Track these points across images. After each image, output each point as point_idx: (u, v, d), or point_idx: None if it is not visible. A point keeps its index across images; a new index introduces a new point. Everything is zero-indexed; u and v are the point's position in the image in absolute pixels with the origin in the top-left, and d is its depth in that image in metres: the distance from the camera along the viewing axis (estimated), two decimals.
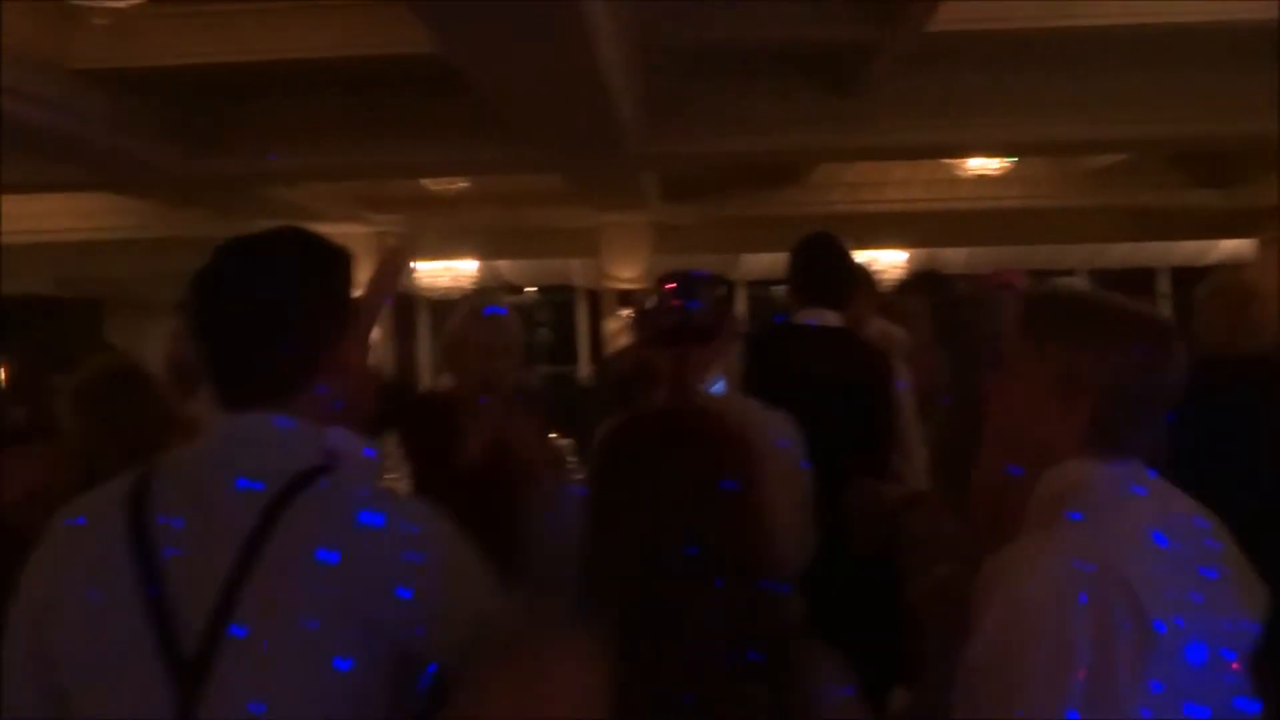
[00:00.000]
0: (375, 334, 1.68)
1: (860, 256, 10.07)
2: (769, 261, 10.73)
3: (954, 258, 11.05)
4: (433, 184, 7.51)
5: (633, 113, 5.28)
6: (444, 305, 11.22)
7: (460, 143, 5.89)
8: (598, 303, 10.66)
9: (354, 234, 8.75)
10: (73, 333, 10.99)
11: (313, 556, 1.13)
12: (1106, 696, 1.18)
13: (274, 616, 1.12)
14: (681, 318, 2.28)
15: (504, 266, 11.26)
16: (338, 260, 1.28)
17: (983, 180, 7.80)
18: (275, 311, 1.23)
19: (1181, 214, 9.29)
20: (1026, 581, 1.22)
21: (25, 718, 1.18)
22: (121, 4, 3.43)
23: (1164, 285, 11.50)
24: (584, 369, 11.57)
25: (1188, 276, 11.25)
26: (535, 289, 13.06)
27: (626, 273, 8.75)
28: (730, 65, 5.56)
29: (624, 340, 6.70)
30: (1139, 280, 11.50)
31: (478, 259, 10.26)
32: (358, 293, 1.36)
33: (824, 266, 3.00)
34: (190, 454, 1.26)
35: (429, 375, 11.67)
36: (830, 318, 2.89)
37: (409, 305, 11.34)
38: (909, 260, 10.52)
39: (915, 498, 2.38)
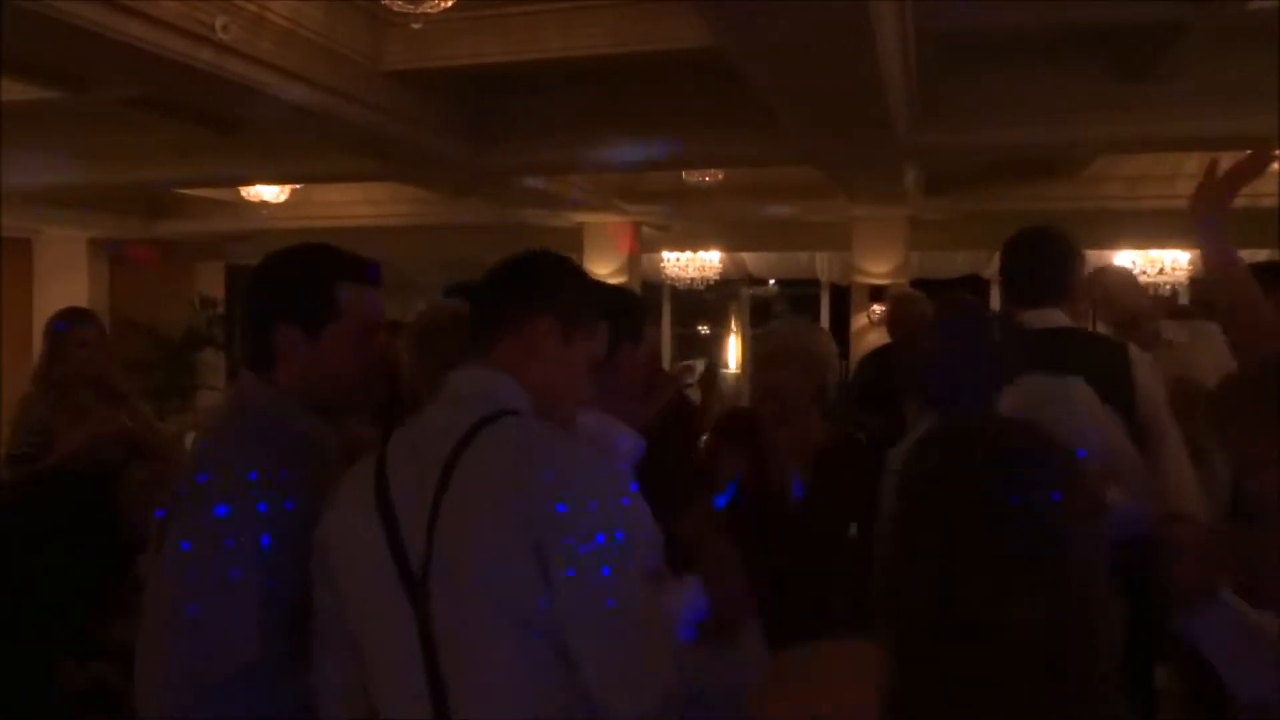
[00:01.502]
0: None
1: (1131, 256, 9.48)
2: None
3: (1250, 260, 10.00)
4: (688, 175, 7.64)
5: (904, 102, 5.14)
6: (686, 294, 11.48)
7: (724, 135, 5.94)
8: (841, 297, 10.49)
9: (610, 222, 9.11)
10: None
11: (485, 481, 1.28)
12: None
13: (464, 535, 1.27)
14: None
15: (747, 259, 11.32)
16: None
17: None
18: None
19: None
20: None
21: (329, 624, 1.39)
22: (433, 8, 3.71)
23: None
24: None
25: None
26: (775, 282, 13.05)
27: (879, 268, 8.54)
28: (1005, 49, 5.27)
29: (874, 336, 6.51)
30: None
31: (723, 250, 10.37)
32: None
33: (1044, 262, 2.76)
34: (427, 409, 1.45)
35: (668, 360, 12.04)
36: (1055, 317, 2.70)
37: (654, 292, 11.66)
38: (1190, 262, 9.64)
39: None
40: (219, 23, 4.03)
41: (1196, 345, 3.50)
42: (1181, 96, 5.30)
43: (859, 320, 8.68)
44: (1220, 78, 5.16)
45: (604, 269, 9.04)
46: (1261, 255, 9.82)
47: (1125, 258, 9.67)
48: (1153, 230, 8.86)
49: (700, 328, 13.94)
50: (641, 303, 2.24)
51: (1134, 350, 2.60)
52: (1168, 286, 9.97)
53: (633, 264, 9.24)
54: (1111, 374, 2.64)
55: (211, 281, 10.34)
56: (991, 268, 10.91)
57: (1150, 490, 2.15)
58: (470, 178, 7.05)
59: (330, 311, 1.54)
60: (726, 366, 13.06)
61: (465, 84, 5.78)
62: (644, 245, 9.55)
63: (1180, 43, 4.74)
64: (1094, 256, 9.90)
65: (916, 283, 9.69)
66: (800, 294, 12.65)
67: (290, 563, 1.40)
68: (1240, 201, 2.23)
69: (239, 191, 8.15)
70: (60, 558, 2.23)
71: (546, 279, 1.50)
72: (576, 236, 9.18)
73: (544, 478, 1.26)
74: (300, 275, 1.58)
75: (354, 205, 8.79)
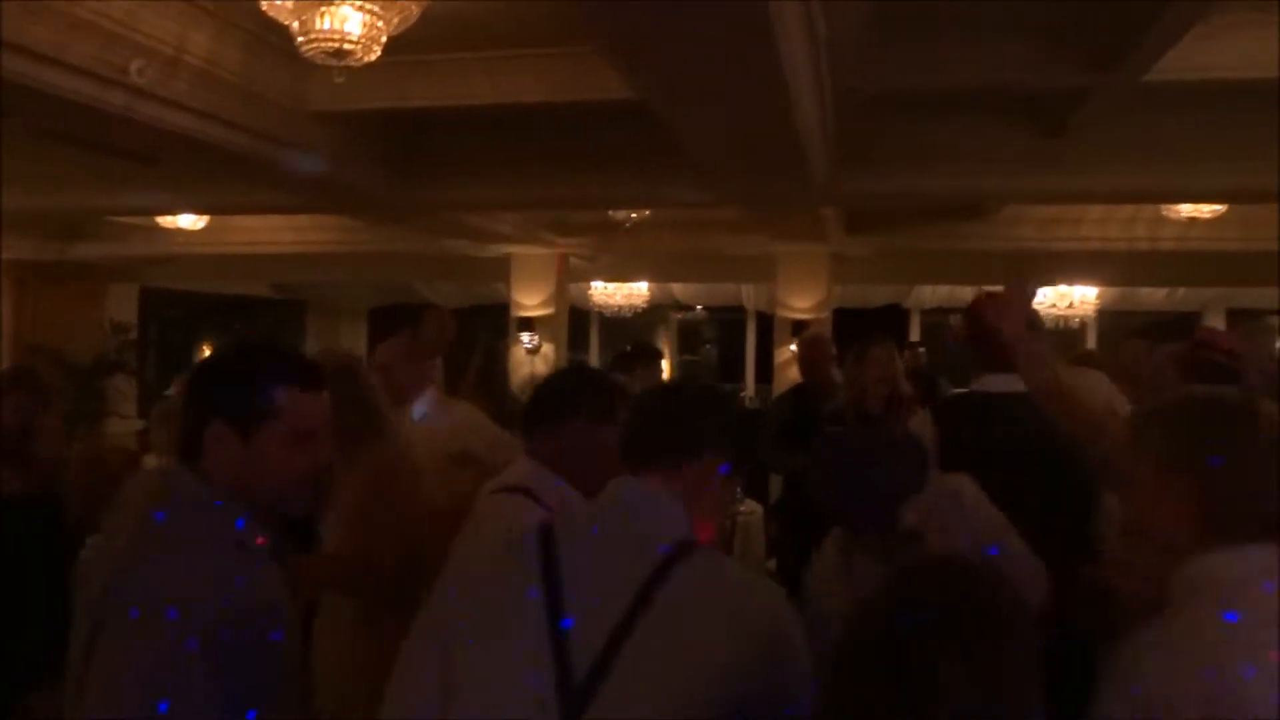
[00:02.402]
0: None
1: (1043, 292, 9.82)
2: (945, 292, 10.47)
3: (1150, 297, 10.46)
4: (615, 212, 7.70)
5: (823, 152, 5.26)
6: (614, 321, 11.53)
7: (647, 177, 6.01)
8: (768, 325, 10.64)
9: (537, 255, 9.12)
10: (280, 328, 12.03)
11: (691, 621, 1.32)
12: None
13: (651, 662, 1.29)
14: None
15: (675, 287, 11.42)
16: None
17: (1194, 223, 7.31)
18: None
19: None
20: (1141, 679, 1.27)
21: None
22: (356, 62, 3.69)
23: None
24: (750, 389, 11.59)
25: None
26: (703, 308, 13.19)
27: (801, 302, 8.69)
28: (925, 103, 5.44)
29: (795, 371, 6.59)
30: None
31: (650, 280, 10.44)
32: None
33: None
34: (594, 508, 1.51)
35: None
36: (1013, 382, 2.81)
37: (584, 319, 11.69)
38: (1099, 297, 10.04)
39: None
40: (134, 66, 3.94)
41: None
42: (1089, 153, 5.54)
43: (782, 353, 8.82)
44: (1124, 138, 5.41)
45: (531, 299, 9.03)
46: (1160, 295, 10.31)
47: (1040, 293, 10.03)
48: (1061, 268, 9.21)
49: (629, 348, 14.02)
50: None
51: None
52: (1077, 320, 10.38)
53: (560, 293, 9.25)
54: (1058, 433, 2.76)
55: (124, 305, 10.03)
56: (911, 299, 11.21)
57: (1039, 584, 2.26)
58: (393, 211, 6.99)
59: (266, 412, 1.54)
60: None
61: (391, 122, 5.74)
62: (572, 274, 9.57)
63: (1086, 106, 4.96)
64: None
65: (839, 312, 9.90)
66: (729, 319, 12.81)
67: (233, 664, 1.37)
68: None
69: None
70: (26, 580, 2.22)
71: (725, 422, 1.57)
72: (504, 266, 9.17)
73: (750, 628, 1.33)
74: (240, 373, 1.59)
75: (276, 231, 8.64)
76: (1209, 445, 1.38)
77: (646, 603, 1.32)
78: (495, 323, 9.67)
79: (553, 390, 2.15)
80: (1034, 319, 2.86)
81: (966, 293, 10.55)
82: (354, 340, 11.51)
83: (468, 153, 6.04)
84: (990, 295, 2.53)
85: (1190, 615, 1.31)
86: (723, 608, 1.35)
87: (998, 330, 2.46)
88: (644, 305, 10.90)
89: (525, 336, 8.95)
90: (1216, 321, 10.77)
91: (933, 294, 10.84)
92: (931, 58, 4.49)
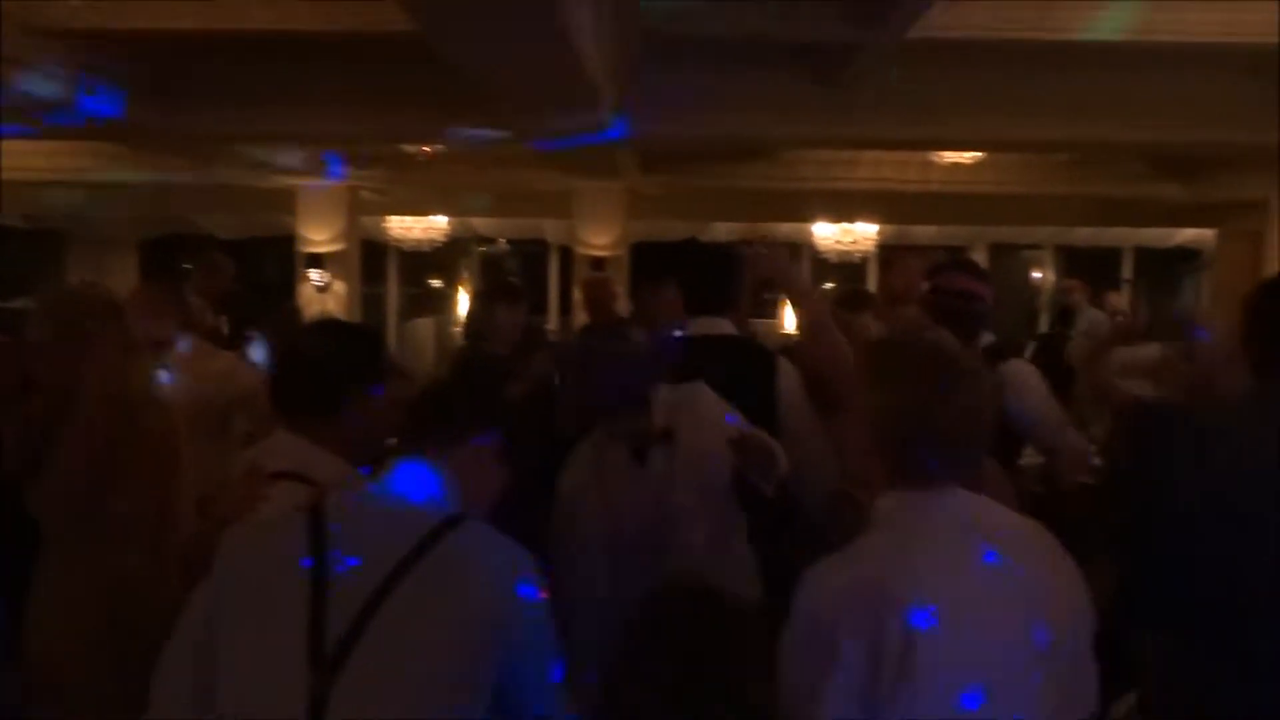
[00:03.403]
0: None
1: (830, 229, 10.37)
2: (741, 230, 10.84)
3: (924, 233, 11.24)
4: (407, 145, 7.45)
5: (612, 95, 5.29)
6: (414, 255, 11.25)
7: (435, 112, 5.85)
8: (570, 258, 10.70)
9: (324, 189, 8.71)
10: (32, 263, 10.93)
11: (444, 591, 1.36)
12: (874, 692, 1.35)
13: (402, 633, 1.33)
14: None
15: (476, 221, 11.24)
16: None
17: (956, 167, 7.89)
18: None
19: (1145, 204, 9.48)
20: (817, 594, 1.41)
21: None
22: None
23: (1128, 266, 11.78)
24: (553, 320, 11.66)
25: (1150, 256, 11.59)
26: (506, 240, 13.06)
27: (599, 238, 8.77)
28: (713, 50, 5.56)
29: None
30: (1103, 258, 11.78)
31: (448, 215, 10.23)
32: None
33: (712, 275, 3.05)
34: (367, 489, 1.53)
35: (395, 320, 11.82)
36: (720, 325, 2.99)
37: (381, 254, 11.33)
38: (878, 233, 10.70)
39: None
40: None
41: None
42: (863, 103, 5.84)
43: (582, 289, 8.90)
44: (894, 90, 5.74)
45: (320, 234, 8.66)
46: (932, 231, 11.09)
47: (824, 229, 10.58)
48: (841, 206, 9.74)
49: (433, 282, 13.73)
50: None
51: (782, 361, 2.91)
52: (859, 254, 11.04)
53: (352, 227, 8.91)
54: (757, 380, 2.93)
55: None
56: (708, 233, 11.55)
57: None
58: (167, 141, 6.49)
59: None
60: (457, 324, 12.95)
61: (157, 48, 5.29)
62: (364, 208, 9.22)
63: (858, 58, 5.21)
64: (796, 229, 10.78)
65: (640, 246, 10.06)
66: (532, 252, 12.77)
67: None
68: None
69: None
70: None
71: (496, 405, 1.62)
72: (288, 199, 8.71)
73: (500, 599, 1.38)
74: None
75: (23, 156, 7.80)
76: (898, 399, 1.47)
77: (402, 575, 1.34)
78: (282, 257, 9.22)
79: (311, 355, 1.90)
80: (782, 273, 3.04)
81: (762, 228, 11.01)
82: (123, 275, 10.65)
83: (247, 82, 5.67)
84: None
85: (866, 545, 1.45)
86: (476, 578, 1.39)
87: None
88: (444, 239, 10.68)
89: (314, 273, 8.59)
90: (980, 255, 11.73)
91: (729, 230, 11.22)
92: (715, 7, 4.59)
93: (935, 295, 3.25)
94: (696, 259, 3.10)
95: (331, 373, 1.84)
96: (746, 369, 2.85)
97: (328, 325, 2.74)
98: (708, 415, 2.29)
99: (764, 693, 1.33)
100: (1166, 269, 11.59)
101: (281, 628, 1.33)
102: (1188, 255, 10.97)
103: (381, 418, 1.84)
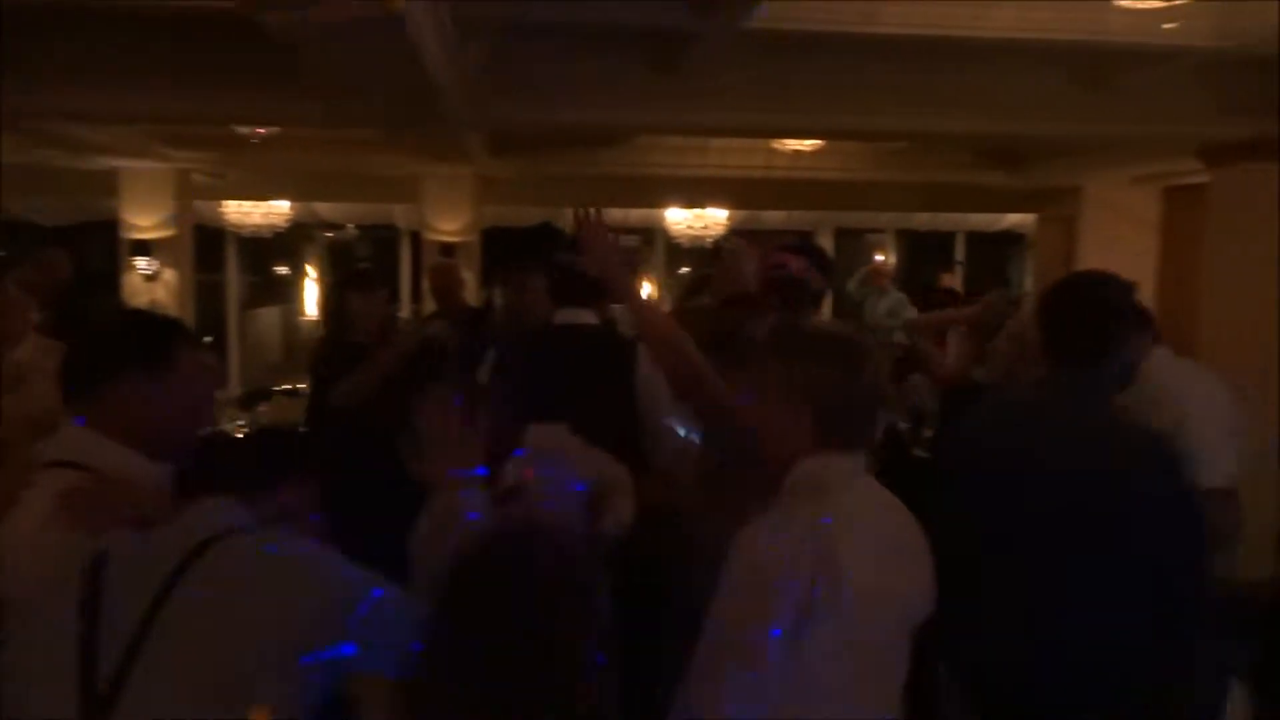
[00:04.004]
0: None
1: (682, 214, 10.51)
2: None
3: (773, 218, 11.54)
4: (241, 127, 7.11)
5: (453, 81, 5.18)
6: (254, 241, 10.77)
7: (266, 94, 5.60)
8: (421, 245, 10.48)
9: (151, 170, 8.22)
10: None
11: (210, 607, 1.32)
12: (803, 639, 1.52)
13: (174, 658, 1.28)
14: None
15: (320, 206, 10.86)
16: None
17: (798, 154, 8.12)
18: None
19: (974, 190, 10.01)
20: (762, 546, 1.56)
21: None
22: None
23: (961, 248, 12.44)
24: (405, 308, 11.40)
25: (980, 240, 12.28)
26: (354, 226, 12.67)
27: (448, 224, 8.61)
28: (557, 37, 5.53)
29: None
30: (940, 242, 12.41)
31: (289, 199, 9.84)
32: None
33: (578, 270, 3.07)
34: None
35: (235, 309, 11.30)
36: (583, 315, 3.03)
37: (218, 240, 10.80)
38: (729, 218, 10.92)
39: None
40: None
41: None
42: (704, 91, 5.92)
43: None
44: (736, 78, 5.84)
45: (147, 219, 8.18)
46: (781, 216, 11.38)
47: (677, 214, 10.72)
48: (693, 192, 9.89)
49: (277, 269, 13.19)
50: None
51: (642, 349, 2.94)
52: (709, 240, 11.24)
53: (183, 212, 8.45)
54: (617, 370, 2.96)
55: None
56: (563, 219, 11.52)
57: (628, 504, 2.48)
58: None
59: None
60: (304, 314, 12.50)
61: None
62: (198, 192, 8.76)
63: (698, 46, 5.28)
64: (646, 213, 10.88)
65: (491, 231, 9.95)
66: (383, 238, 12.42)
67: None
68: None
69: None
70: None
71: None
72: (110, 182, 8.18)
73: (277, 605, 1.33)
74: None
75: None
76: (818, 374, 1.67)
77: (164, 598, 1.30)
78: (108, 243, 8.67)
79: (92, 343, 1.86)
80: (629, 254, 3.09)
81: (614, 214, 11.05)
82: None
83: (67, 58, 5.27)
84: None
85: (797, 505, 1.63)
86: (243, 587, 1.35)
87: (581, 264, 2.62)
88: (286, 224, 10.27)
89: (141, 262, 8.11)
90: (826, 239, 12.14)
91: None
92: None
93: (769, 278, 3.37)
94: (563, 248, 3.11)
95: (95, 355, 1.78)
96: (607, 359, 2.88)
97: (111, 310, 2.63)
98: (559, 471, 2.29)
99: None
100: (995, 251, 12.30)
101: (53, 675, 1.28)
102: (1014, 238, 11.65)
103: (167, 404, 1.76)
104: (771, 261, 3.35)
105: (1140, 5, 3.72)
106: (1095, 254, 8.34)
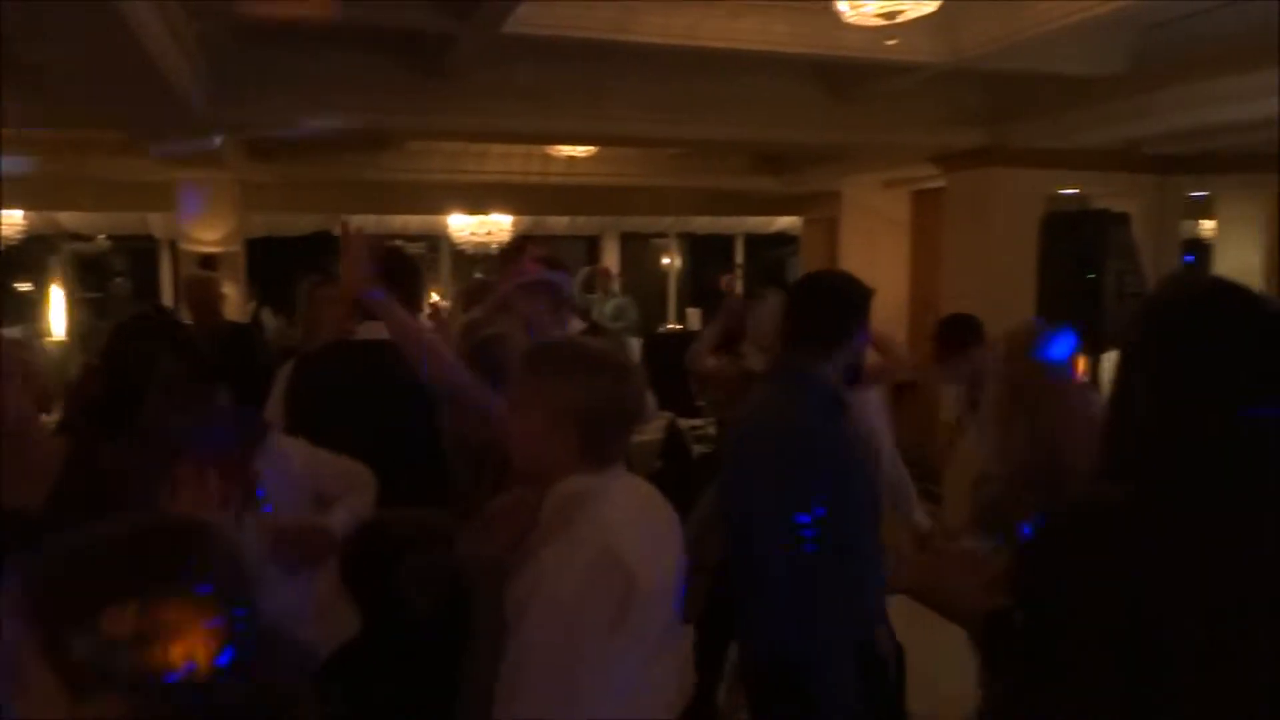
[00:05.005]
0: None
1: (465, 220, 10.36)
2: (374, 221, 10.53)
3: (557, 223, 11.59)
4: None
5: (198, 83, 4.88)
6: None
7: None
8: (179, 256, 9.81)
9: None
10: None
11: None
12: (614, 649, 1.55)
13: None
14: None
15: (63, 216, 9.96)
16: None
17: (573, 160, 8.19)
18: None
19: (747, 195, 10.46)
20: (556, 581, 1.55)
21: None
22: None
23: (740, 251, 12.95)
24: None
25: (757, 242, 12.84)
26: (106, 237, 11.70)
27: (208, 233, 8.09)
28: (315, 37, 5.31)
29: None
30: (720, 244, 12.87)
31: (24, 208, 8.96)
32: None
33: (388, 276, 2.99)
34: None
35: None
36: (380, 329, 2.94)
37: None
38: (514, 224, 10.87)
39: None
40: None
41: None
42: (468, 95, 5.86)
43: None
44: (501, 82, 5.81)
45: None
46: (565, 221, 11.44)
47: (460, 221, 10.57)
48: (475, 198, 9.78)
49: (19, 286, 11.96)
50: None
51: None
52: (495, 245, 11.15)
53: None
54: (396, 378, 2.88)
55: None
56: (340, 226, 11.08)
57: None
58: None
59: None
60: (49, 334, 11.40)
61: None
62: None
63: (456, 49, 5.21)
64: (428, 220, 10.68)
65: (263, 241, 9.44)
66: (141, 249, 11.52)
67: None
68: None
69: None
70: None
71: None
72: None
73: None
74: None
75: None
76: (582, 390, 1.65)
77: None
78: None
79: None
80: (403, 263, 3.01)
81: (395, 222, 10.77)
82: None
83: None
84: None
85: (574, 528, 1.60)
86: None
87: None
88: (20, 236, 9.34)
89: None
90: (612, 243, 12.34)
91: (362, 222, 10.83)
92: None
93: (523, 286, 3.38)
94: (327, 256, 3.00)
95: None
96: (408, 375, 2.78)
97: None
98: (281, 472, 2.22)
99: None
100: (770, 252, 12.90)
101: None
102: (788, 239, 12.26)
103: None
104: (523, 268, 3.37)
105: (865, 22, 3.98)
106: (855, 252, 8.90)
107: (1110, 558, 1.14)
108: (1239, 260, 7.43)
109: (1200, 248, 9.29)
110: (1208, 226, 9.46)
